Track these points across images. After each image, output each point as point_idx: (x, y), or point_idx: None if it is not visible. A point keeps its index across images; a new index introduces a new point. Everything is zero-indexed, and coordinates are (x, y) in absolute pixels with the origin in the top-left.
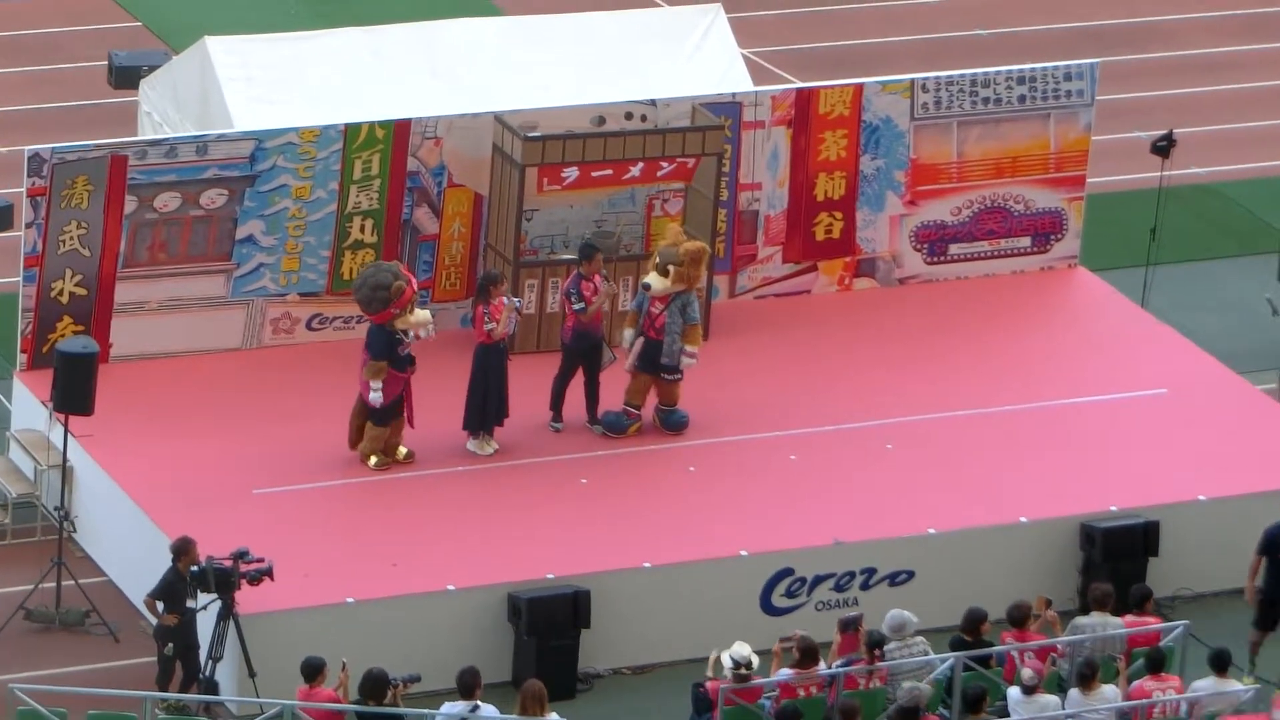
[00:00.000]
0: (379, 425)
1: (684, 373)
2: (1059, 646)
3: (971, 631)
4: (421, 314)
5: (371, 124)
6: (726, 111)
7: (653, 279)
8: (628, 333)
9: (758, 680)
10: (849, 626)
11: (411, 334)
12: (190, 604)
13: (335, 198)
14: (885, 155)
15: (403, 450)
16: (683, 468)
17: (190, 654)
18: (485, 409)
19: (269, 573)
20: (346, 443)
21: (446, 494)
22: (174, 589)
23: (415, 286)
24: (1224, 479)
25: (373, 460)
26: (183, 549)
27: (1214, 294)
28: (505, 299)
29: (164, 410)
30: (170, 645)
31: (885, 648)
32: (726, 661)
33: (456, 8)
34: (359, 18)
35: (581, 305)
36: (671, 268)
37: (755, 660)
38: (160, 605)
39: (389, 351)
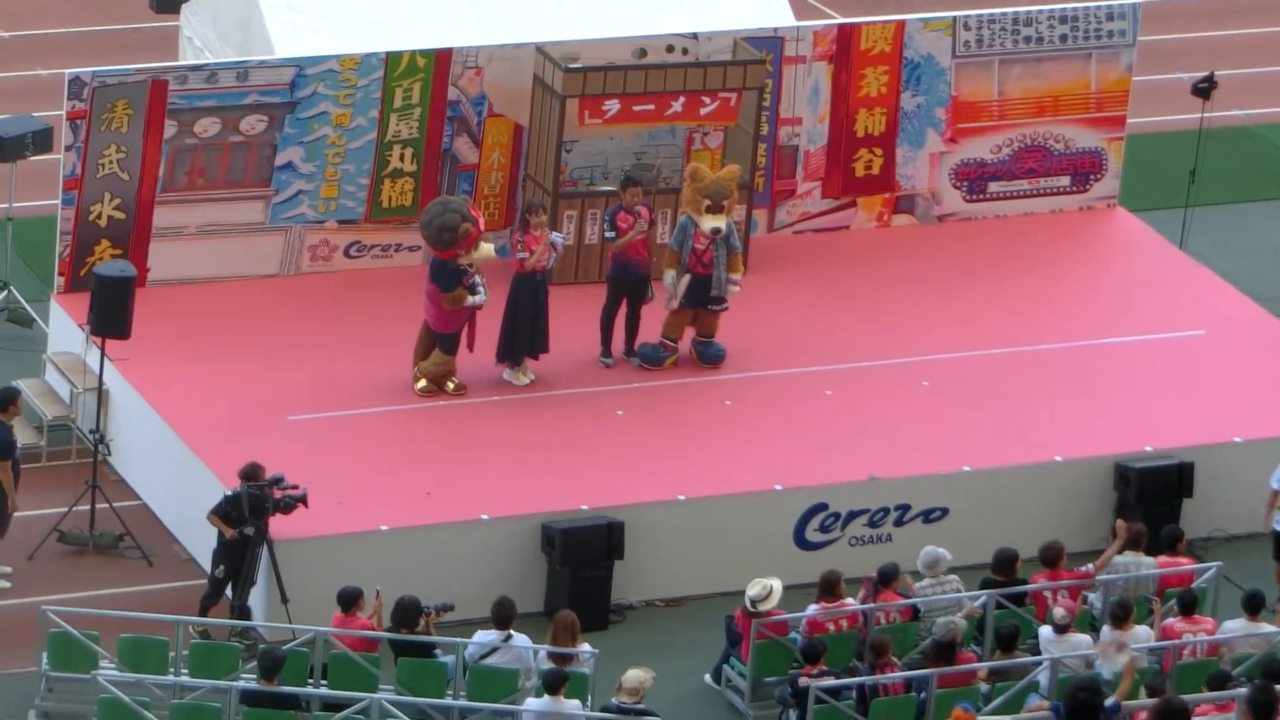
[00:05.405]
0: (446, 353)
1: (728, 302)
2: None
3: (1002, 571)
4: (486, 248)
5: (413, 53)
6: (768, 46)
7: (717, 222)
8: (670, 273)
9: (783, 615)
10: (878, 586)
11: (476, 264)
12: (247, 530)
13: (375, 126)
14: (926, 92)
15: (453, 383)
16: (719, 401)
17: (235, 579)
18: (515, 338)
19: (303, 499)
20: (387, 369)
21: (482, 424)
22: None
23: (482, 225)
24: (1259, 421)
25: (420, 384)
26: (246, 474)
27: (1252, 236)
28: (543, 231)
29: (200, 335)
30: (221, 567)
31: (919, 584)
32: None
33: None
34: None
35: (613, 234)
36: (725, 203)
37: (774, 595)
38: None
39: (458, 281)
